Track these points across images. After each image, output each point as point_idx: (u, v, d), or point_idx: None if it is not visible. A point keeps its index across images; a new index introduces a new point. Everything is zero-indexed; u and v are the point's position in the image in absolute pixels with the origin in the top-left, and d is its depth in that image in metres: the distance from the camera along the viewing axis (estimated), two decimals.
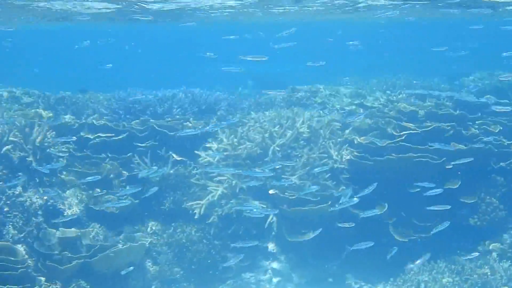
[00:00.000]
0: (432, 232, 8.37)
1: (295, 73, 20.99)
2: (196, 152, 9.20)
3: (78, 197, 8.72)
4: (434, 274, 8.48)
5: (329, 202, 8.61)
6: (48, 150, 8.49)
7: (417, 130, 9.01)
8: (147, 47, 30.98)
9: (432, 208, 8.28)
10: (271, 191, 8.66)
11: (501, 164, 9.01)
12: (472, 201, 8.91)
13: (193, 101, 10.42)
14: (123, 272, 7.73)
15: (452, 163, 8.61)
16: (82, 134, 9.53)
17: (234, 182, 8.75)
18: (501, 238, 9.00)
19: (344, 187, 8.80)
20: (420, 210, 8.80)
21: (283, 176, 8.75)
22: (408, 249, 8.73)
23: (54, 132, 8.78)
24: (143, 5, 14.23)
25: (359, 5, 15.01)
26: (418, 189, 8.61)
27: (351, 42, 13.02)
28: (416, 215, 8.84)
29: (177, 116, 10.00)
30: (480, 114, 9.63)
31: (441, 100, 10.01)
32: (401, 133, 9.01)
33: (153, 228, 8.91)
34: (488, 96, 10.69)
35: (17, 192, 7.94)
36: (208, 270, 8.68)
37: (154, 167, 8.72)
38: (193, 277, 8.66)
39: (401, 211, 8.90)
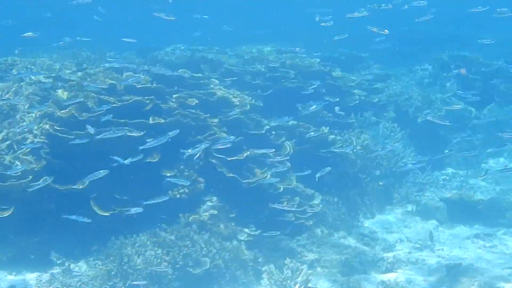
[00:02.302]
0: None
1: None
2: None
3: None
4: (137, 247, 11.94)
5: (30, 177, 11.49)
6: None
7: (117, 104, 12.49)
8: None
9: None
10: None
11: (198, 137, 13.01)
12: (172, 174, 12.62)
13: None
14: None
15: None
16: None
17: None
18: (200, 210, 12.84)
19: (45, 162, 11.76)
20: (123, 184, 12.19)
21: None
22: (109, 223, 12.02)
23: None
24: None
25: None
26: (115, 164, 11.98)
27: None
28: (119, 189, 12.21)
29: None
30: (176, 87, 13.55)
31: (137, 73, 13.74)
32: (102, 107, 12.36)
33: None
34: (183, 70, 14.81)
35: None
36: None
37: None
38: None
39: (105, 185, 12.20)
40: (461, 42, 35.71)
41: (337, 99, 17.87)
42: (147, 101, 13.10)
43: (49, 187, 11.96)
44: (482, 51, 27.12)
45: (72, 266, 12.25)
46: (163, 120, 13.01)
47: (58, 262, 12.22)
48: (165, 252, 12.09)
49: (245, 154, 13.69)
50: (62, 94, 13.25)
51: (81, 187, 12.17)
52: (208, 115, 13.90)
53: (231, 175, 13.26)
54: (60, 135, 12.28)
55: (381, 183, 16.61)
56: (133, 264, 11.67)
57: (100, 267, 11.83)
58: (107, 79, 13.59)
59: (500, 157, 21.53)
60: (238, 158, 13.53)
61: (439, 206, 16.30)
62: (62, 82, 14.10)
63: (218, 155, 13.37)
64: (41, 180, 11.81)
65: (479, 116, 21.88)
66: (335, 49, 27.42)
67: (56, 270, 12.08)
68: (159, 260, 11.84)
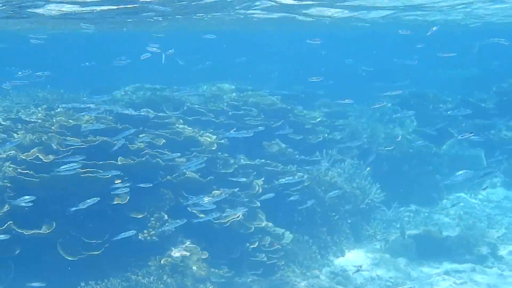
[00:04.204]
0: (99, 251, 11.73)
1: None
2: None
3: None
4: None
5: None
6: None
7: (83, 145, 12.33)
8: None
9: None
10: None
11: (168, 177, 12.88)
12: (141, 216, 12.48)
13: None
14: None
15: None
16: None
17: None
18: (171, 252, 12.63)
19: (9, 206, 11.49)
20: (89, 227, 12.02)
21: None
22: (79, 268, 11.80)
23: None
24: None
25: None
26: (85, 206, 11.79)
27: None
28: (85, 233, 12.03)
29: None
30: (142, 127, 13.45)
31: (100, 114, 13.61)
32: (68, 148, 12.18)
33: None
34: (146, 109, 14.76)
35: None
36: None
37: None
38: None
39: (70, 229, 11.96)
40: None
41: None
42: (115, 142, 12.94)
43: (14, 232, 11.65)
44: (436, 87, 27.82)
45: None
46: (131, 161, 12.85)
47: None
48: None
49: (216, 194, 13.59)
50: (24, 136, 13.01)
51: (47, 231, 11.90)
52: (178, 154, 13.80)
53: (203, 215, 13.13)
54: (25, 178, 12.03)
55: (349, 221, 16.67)
56: None
57: None
58: (70, 120, 13.41)
59: (461, 192, 21.84)
60: (209, 198, 13.42)
61: (407, 243, 16.37)
62: (22, 124, 13.85)
63: (189, 196, 13.25)
64: (5, 226, 11.50)
65: (438, 152, 22.22)
66: (290, 86, 27.96)
67: None
68: None
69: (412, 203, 20.21)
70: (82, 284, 11.84)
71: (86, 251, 12.20)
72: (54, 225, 12.04)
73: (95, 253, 12.20)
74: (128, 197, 12.64)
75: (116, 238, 11.78)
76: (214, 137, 15.47)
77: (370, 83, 33.05)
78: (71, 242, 12.25)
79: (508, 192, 22.08)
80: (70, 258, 12.02)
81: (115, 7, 19.56)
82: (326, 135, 19.16)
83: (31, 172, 12.15)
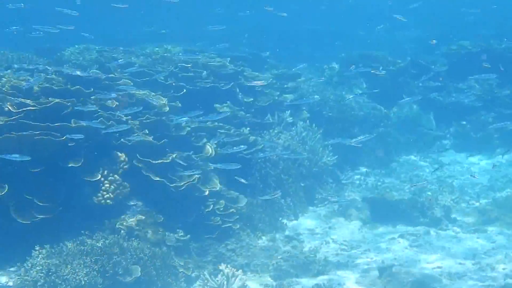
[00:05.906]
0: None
1: None
2: None
3: None
4: (64, 256, 12.21)
5: None
6: None
7: (37, 107, 12.71)
8: None
9: None
10: None
11: (122, 140, 13.39)
12: (95, 179, 12.99)
13: None
14: None
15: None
16: None
17: None
18: (126, 216, 13.19)
19: None
20: (43, 190, 12.45)
21: None
22: (32, 231, 12.28)
23: None
24: None
25: None
26: (39, 169, 12.22)
27: None
28: (39, 196, 12.46)
29: None
30: (92, 89, 13.89)
31: (50, 75, 13.99)
32: (20, 110, 12.54)
33: None
34: (96, 71, 15.20)
35: None
36: None
37: None
38: None
39: (23, 192, 12.36)
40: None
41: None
42: (68, 103, 13.34)
43: None
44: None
45: None
46: (84, 124, 13.23)
47: None
48: (93, 260, 12.37)
49: (171, 156, 14.14)
50: None
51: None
52: (130, 117, 14.28)
53: (158, 179, 13.68)
54: None
55: (302, 184, 17.41)
56: (61, 274, 11.88)
57: (25, 277, 11.94)
58: (23, 82, 13.75)
59: (411, 155, 22.88)
60: (163, 161, 13.97)
61: (361, 207, 17.22)
62: None
63: (144, 159, 13.77)
64: None
65: (388, 114, 23.16)
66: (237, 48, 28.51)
67: None
68: (88, 269, 12.10)
69: (363, 166, 21.15)
70: (37, 247, 12.27)
71: (40, 214, 12.66)
72: (7, 188, 12.44)
73: (48, 216, 12.66)
74: (82, 160, 13.11)
75: None
76: (165, 99, 15.95)
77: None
78: (25, 205, 12.67)
79: (458, 155, 23.19)
80: (23, 222, 12.46)
81: None
82: (277, 97, 19.81)
83: None
